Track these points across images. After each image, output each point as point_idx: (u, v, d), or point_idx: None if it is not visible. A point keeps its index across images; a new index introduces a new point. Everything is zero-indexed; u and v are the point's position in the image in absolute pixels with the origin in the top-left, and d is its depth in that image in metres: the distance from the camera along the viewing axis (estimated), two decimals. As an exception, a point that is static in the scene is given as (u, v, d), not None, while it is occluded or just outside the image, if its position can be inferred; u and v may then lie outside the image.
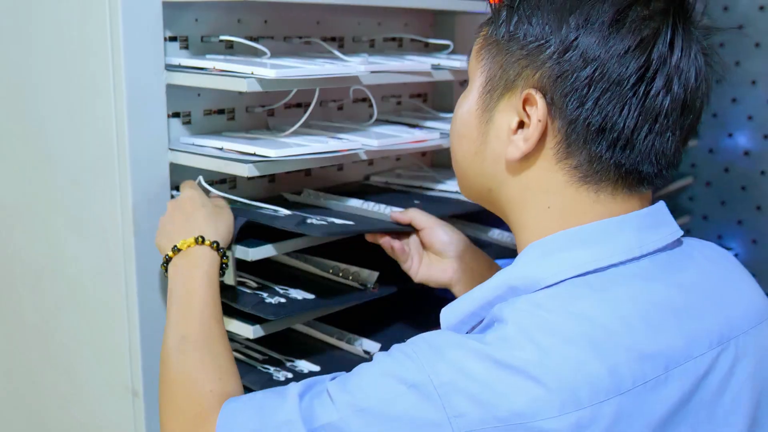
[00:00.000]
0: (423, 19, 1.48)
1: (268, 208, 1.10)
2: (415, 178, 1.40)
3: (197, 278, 0.96)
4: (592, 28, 0.73)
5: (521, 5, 0.77)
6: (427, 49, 1.44)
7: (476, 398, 0.67)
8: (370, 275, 1.15)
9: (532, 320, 0.70)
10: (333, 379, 0.77)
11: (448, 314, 0.82)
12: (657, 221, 0.79)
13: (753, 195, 2.01)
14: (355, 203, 1.20)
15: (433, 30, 1.50)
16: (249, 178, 1.19)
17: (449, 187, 1.34)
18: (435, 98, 1.53)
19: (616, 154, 0.75)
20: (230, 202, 1.11)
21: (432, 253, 1.11)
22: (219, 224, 1.02)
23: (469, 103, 0.83)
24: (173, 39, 1.09)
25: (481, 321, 0.77)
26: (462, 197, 1.32)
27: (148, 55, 1.04)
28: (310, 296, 1.12)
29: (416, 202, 1.26)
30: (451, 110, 1.46)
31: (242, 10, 1.18)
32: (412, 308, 1.30)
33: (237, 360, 0.99)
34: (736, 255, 1.17)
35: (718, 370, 0.75)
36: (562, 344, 0.68)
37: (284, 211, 1.09)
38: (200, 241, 0.98)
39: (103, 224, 1.09)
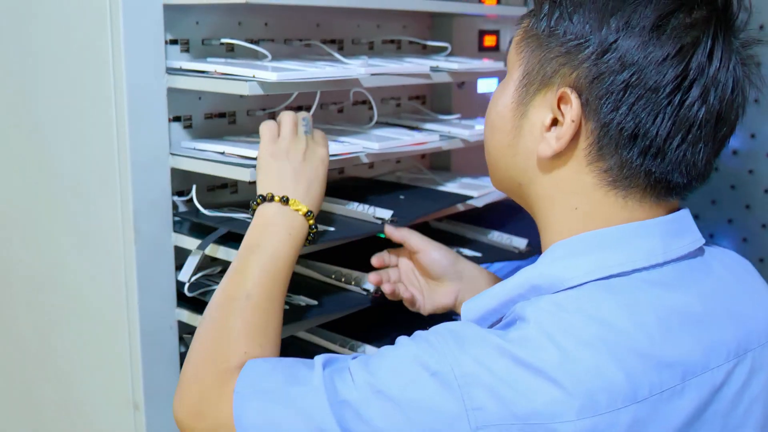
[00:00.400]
0: (421, 22, 1.47)
1: (249, 218, 1.07)
2: (414, 181, 1.39)
3: (288, 245, 0.93)
4: (632, 31, 0.72)
5: (564, 1, 0.76)
6: (425, 51, 1.44)
7: (496, 393, 0.67)
8: (373, 280, 1.14)
9: (553, 321, 0.70)
10: (354, 358, 0.76)
11: (469, 309, 0.81)
12: (681, 228, 0.78)
13: (742, 194, 2.02)
14: (340, 203, 1.18)
15: (431, 32, 1.50)
16: (250, 183, 1.16)
17: (448, 190, 1.33)
18: (433, 100, 1.52)
19: (647, 161, 0.74)
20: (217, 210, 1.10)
21: (430, 278, 1.09)
22: (321, 199, 1.00)
23: (505, 95, 0.81)
24: (174, 42, 1.08)
25: (501, 318, 0.77)
26: (448, 190, 1.32)
27: (148, 58, 1.02)
28: (313, 302, 1.11)
29: (401, 197, 1.25)
30: (449, 112, 1.47)
31: (243, 12, 1.17)
32: (415, 313, 1.28)
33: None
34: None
35: (733, 382, 0.75)
36: (582, 348, 0.68)
37: None
38: (309, 216, 0.95)
39: (103, 230, 1.07)
